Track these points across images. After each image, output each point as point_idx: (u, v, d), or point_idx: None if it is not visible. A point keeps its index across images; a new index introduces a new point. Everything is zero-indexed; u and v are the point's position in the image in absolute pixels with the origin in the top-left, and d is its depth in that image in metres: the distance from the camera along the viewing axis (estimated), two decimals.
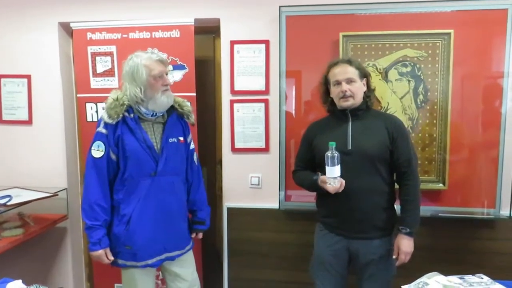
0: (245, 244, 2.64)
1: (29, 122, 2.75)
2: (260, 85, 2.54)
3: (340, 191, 1.84)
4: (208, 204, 2.25)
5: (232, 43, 2.54)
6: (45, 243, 2.80)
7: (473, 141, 2.37)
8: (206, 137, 2.74)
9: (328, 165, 1.81)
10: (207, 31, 2.67)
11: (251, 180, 2.62)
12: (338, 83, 1.91)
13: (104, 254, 1.91)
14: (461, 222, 2.41)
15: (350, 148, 1.89)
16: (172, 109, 2.03)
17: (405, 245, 1.86)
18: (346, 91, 1.89)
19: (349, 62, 1.94)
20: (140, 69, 1.87)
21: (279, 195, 2.56)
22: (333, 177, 1.82)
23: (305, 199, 2.50)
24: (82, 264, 2.97)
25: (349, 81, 1.90)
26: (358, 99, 1.92)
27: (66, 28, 2.73)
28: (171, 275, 2.11)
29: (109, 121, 1.87)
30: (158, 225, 1.96)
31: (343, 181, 1.83)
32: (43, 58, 2.70)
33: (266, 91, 2.54)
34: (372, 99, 1.99)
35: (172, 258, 2.05)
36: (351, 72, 1.91)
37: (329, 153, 1.80)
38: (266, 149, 2.58)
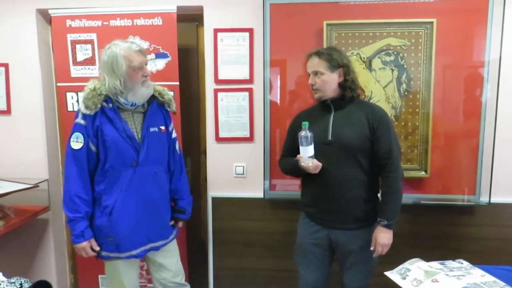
0: (230, 233, 2.64)
1: (7, 112, 2.68)
2: (244, 74, 2.53)
3: (317, 171, 1.86)
4: (192, 193, 2.24)
5: (216, 31, 2.51)
6: (27, 235, 2.76)
7: (454, 129, 2.40)
8: (190, 127, 2.72)
9: (301, 145, 1.84)
10: (190, 19, 2.63)
11: (236, 170, 2.61)
12: (309, 75, 1.93)
13: (88, 246, 1.89)
14: (442, 209, 2.46)
15: (330, 138, 1.89)
16: (152, 98, 1.99)
17: (382, 237, 1.85)
18: (312, 84, 1.91)
19: (318, 54, 1.91)
20: (119, 61, 1.82)
21: (264, 184, 2.56)
22: (308, 155, 1.84)
23: (290, 188, 2.51)
24: (65, 256, 2.94)
25: (316, 73, 1.90)
26: (328, 91, 1.90)
27: (44, 15, 2.65)
28: (155, 265, 2.10)
29: (87, 112, 1.83)
30: (141, 216, 1.94)
31: (317, 162, 1.85)
32: (21, 46, 2.62)
33: (250, 80, 2.53)
34: (354, 89, 1.93)
35: (156, 248, 2.04)
36: (318, 64, 1.89)
37: (302, 133, 1.83)
38: (250, 139, 2.58)
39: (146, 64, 1.92)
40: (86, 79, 2.02)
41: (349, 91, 1.91)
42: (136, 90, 1.88)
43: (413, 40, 2.35)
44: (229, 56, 2.52)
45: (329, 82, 1.89)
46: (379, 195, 1.95)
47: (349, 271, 1.98)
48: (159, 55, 2.49)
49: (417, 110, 2.39)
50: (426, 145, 2.40)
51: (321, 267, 2.03)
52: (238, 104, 2.55)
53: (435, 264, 1.64)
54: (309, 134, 1.82)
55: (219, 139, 2.59)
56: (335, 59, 1.89)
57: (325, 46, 2.32)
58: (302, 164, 1.87)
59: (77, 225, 1.86)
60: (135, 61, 1.85)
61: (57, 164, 2.84)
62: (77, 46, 2.51)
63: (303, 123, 1.83)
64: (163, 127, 2.03)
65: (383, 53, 2.37)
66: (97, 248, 1.92)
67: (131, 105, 1.92)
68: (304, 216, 2.06)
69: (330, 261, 2.05)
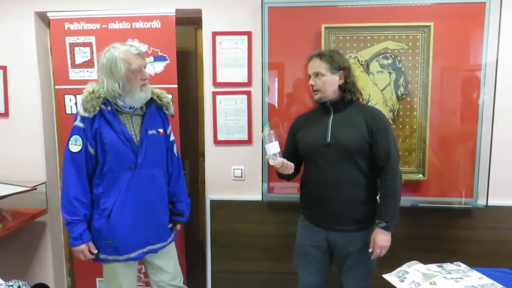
0: (228, 236, 2.65)
1: (5, 114, 2.67)
2: (242, 77, 2.53)
3: (288, 171, 1.90)
4: (190, 196, 2.23)
5: (214, 34, 2.52)
6: (24, 238, 2.75)
7: (451, 132, 2.41)
8: (188, 130, 2.72)
9: (265, 143, 1.88)
10: (189, 22, 2.64)
11: (234, 172, 2.62)
12: (310, 76, 1.95)
13: (86, 249, 1.89)
14: (440, 211, 2.47)
15: (329, 140, 1.90)
16: (150, 101, 2.00)
17: (380, 239, 1.85)
18: (313, 85, 1.93)
19: (320, 55, 1.93)
20: (118, 63, 1.82)
21: (262, 187, 2.56)
22: (272, 153, 1.87)
23: (288, 190, 2.52)
24: (62, 259, 2.93)
25: (316, 74, 1.91)
26: (328, 93, 1.92)
27: (43, 18, 2.65)
28: (153, 268, 2.10)
29: (86, 114, 1.83)
30: (139, 218, 1.94)
31: (282, 160, 1.87)
32: (19, 49, 2.62)
33: (249, 83, 2.54)
34: (354, 92, 1.95)
35: (155, 251, 2.04)
36: (319, 65, 1.91)
37: (265, 132, 1.87)
38: (248, 141, 2.58)
39: (145, 67, 1.92)
40: (84, 82, 2.02)
41: (349, 93, 1.93)
42: (134, 94, 1.88)
43: (410, 44, 2.36)
44: (227, 59, 2.52)
45: (329, 84, 1.91)
46: (377, 197, 1.95)
47: (347, 273, 1.98)
48: (157, 58, 2.49)
49: (415, 113, 2.40)
50: (423, 148, 2.40)
51: (321, 269, 2.03)
52: (236, 107, 2.55)
53: (433, 267, 1.65)
54: (271, 131, 1.87)
55: (217, 142, 2.60)
56: (336, 61, 1.91)
57: (323, 49, 2.32)
58: (270, 163, 1.89)
59: (75, 228, 1.86)
60: (134, 64, 1.85)
61: (55, 166, 2.84)
62: (76, 48, 2.52)
63: (264, 122, 1.89)
64: (161, 130, 2.03)
65: (380, 56, 2.39)
66: (95, 251, 1.91)
67: (130, 108, 1.92)
68: (303, 218, 2.07)
69: (329, 263, 2.06)
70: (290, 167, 1.90)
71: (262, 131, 1.86)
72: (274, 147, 1.86)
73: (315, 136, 1.93)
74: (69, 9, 2.53)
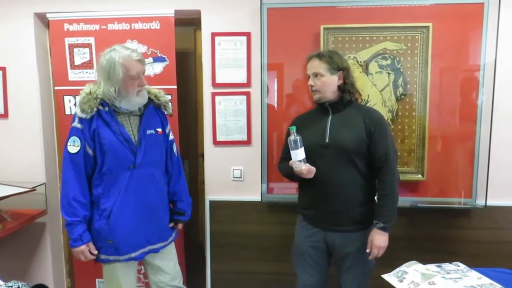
0: (227, 236, 2.65)
1: (4, 115, 2.68)
2: (241, 77, 2.54)
3: (311, 176, 1.88)
4: (190, 196, 2.23)
5: (213, 35, 2.52)
6: (24, 239, 2.75)
7: (450, 133, 2.42)
8: (187, 130, 2.72)
9: (291, 149, 1.87)
10: (188, 23, 2.64)
11: (233, 173, 2.62)
12: (309, 77, 1.95)
13: (87, 250, 1.89)
14: (439, 212, 2.47)
15: (327, 141, 1.90)
16: (148, 101, 2.00)
17: (377, 239, 1.85)
18: (312, 85, 1.93)
19: (319, 56, 1.94)
20: (116, 68, 1.82)
21: (261, 187, 2.57)
22: (298, 160, 1.87)
23: (287, 191, 2.52)
24: (62, 260, 2.93)
25: (315, 75, 1.92)
26: (328, 93, 1.92)
27: (42, 19, 2.66)
28: (153, 268, 2.10)
29: (83, 115, 1.83)
30: (140, 218, 1.94)
31: (309, 166, 1.87)
32: (18, 50, 2.63)
33: (248, 84, 2.54)
34: (353, 92, 1.95)
35: (155, 251, 2.04)
36: (318, 66, 1.91)
37: (291, 137, 1.87)
38: (248, 142, 2.58)
39: (143, 73, 1.92)
40: (83, 83, 2.02)
41: (347, 94, 1.93)
42: (130, 99, 1.88)
43: (409, 44, 2.36)
44: (226, 60, 2.53)
45: (328, 84, 1.91)
46: (375, 197, 1.95)
47: (346, 273, 1.98)
48: (156, 59, 2.50)
49: (414, 113, 2.40)
50: (422, 148, 2.41)
51: (319, 270, 2.03)
52: (236, 107, 2.56)
53: (432, 267, 1.65)
54: (297, 137, 1.86)
55: (216, 143, 2.60)
56: (335, 62, 1.91)
57: (322, 50, 2.32)
58: (295, 169, 1.88)
59: (75, 229, 1.86)
60: (132, 70, 1.84)
61: (55, 167, 2.84)
62: (75, 50, 2.52)
63: (290, 127, 1.88)
64: (159, 130, 2.04)
65: (379, 57, 2.39)
66: (95, 252, 1.92)
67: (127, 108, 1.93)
68: (302, 219, 2.07)
69: (328, 263, 2.06)
70: (314, 171, 1.90)
71: (290, 136, 1.86)
72: (300, 153, 1.86)
73: (313, 136, 1.93)
74: (68, 10, 2.53)
